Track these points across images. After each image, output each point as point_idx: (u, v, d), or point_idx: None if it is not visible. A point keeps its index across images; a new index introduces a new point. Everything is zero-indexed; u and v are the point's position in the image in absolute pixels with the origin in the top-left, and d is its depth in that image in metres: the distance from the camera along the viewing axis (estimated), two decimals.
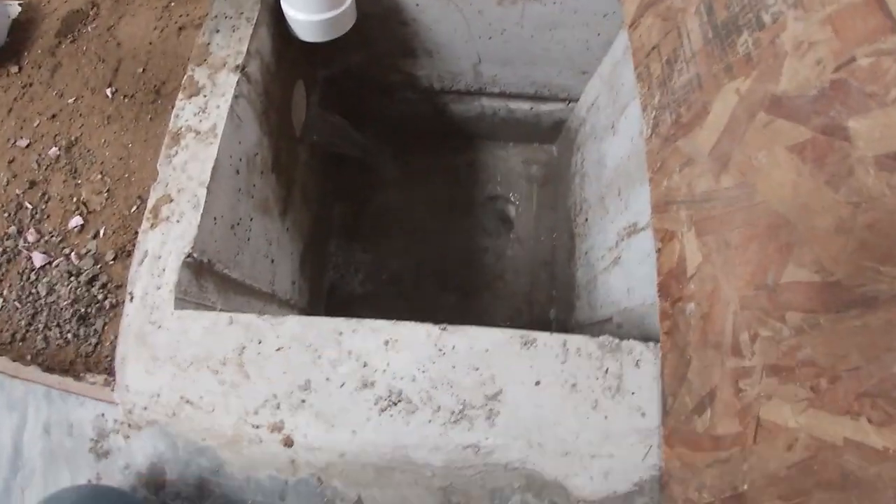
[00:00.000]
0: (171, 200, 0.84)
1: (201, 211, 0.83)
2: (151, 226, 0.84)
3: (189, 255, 0.81)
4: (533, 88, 1.46)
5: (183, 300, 0.80)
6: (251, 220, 0.99)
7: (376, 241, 1.68)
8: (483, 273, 1.61)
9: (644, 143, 0.87)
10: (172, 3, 1.18)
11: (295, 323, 0.76)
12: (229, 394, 0.75)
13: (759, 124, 0.61)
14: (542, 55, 1.32)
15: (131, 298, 0.82)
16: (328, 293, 1.50)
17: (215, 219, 0.86)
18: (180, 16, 1.16)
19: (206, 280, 0.85)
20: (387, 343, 0.74)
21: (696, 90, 0.75)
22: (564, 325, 1.40)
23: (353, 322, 0.75)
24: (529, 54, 1.32)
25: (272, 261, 1.09)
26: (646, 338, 0.75)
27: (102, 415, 0.88)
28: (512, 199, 1.72)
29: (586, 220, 1.26)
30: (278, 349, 0.75)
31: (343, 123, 1.42)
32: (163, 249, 0.83)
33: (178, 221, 0.83)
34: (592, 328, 1.17)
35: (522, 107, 1.54)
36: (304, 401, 0.73)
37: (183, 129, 0.89)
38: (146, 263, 0.83)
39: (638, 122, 0.96)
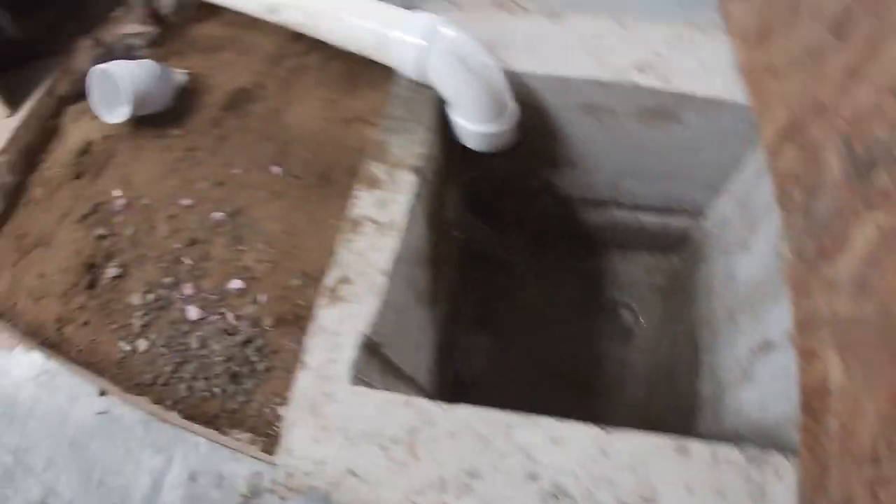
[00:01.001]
0: (351, 283, 0.95)
1: (381, 297, 0.93)
2: (329, 303, 0.95)
3: (367, 336, 0.90)
4: (664, 201, 1.58)
5: (357, 377, 0.89)
6: (410, 309, 1.09)
7: (502, 333, 1.77)
8: (603, 377, 1.68)
9: (783, 263, 0.96)
10: (338, 98, 1.33)
11: (467, 411, 0.84)
12: (397, 471, 0.83)
13: None
14: (676, 172, 1.45)
15: (304, 367, 0.91)
16: (453, 379, 1.58)
17: (388, 305, 0.95)
18: (347, 109, 1.31)
19: (374, 360, 0.95)
20: (553, 440, 0.82)
21: (837, 219, 0.83)
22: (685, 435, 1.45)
23: (522, 417, 0.83)
24: (665, 170, 1.45)
25: (418, 347, 1.18)
26: (780, 451, 0.82)
27: (259, 473, 0.96)
28: (635, 306, 1.81)
29: (713, 333, 1.33)
30: (449, 434, 0.83)
31: (482, 222, 1.54)
32: (341, 327, 0.93)
33: (356, 303, 0.94)
34: (719, 440, 1.23)
35: (652, 218, 1.66)
36: (470, 486, 0.80)
37: (362, 218, 1.01)
38: (322, 337, 0.93)
39: (771, 242, 1.05)
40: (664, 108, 1.30)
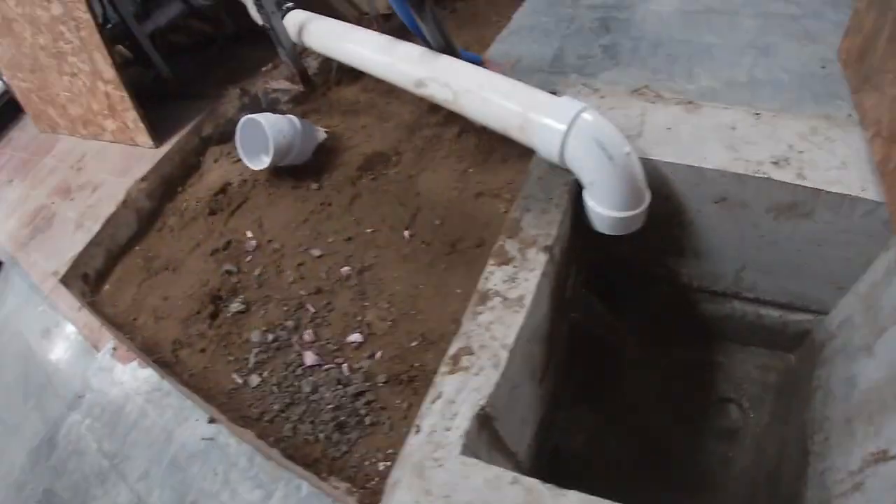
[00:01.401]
0: (473, 353, 0.98)
1: (500, 371, 0.96)
2: (450, 371, 0.98)
3: (482, 408, 0.91)
4: (786, 297, 1.55)
5: (467, 447, 0.90)
6: (524, 384, 1.11)
7: (605, 418, 1.75)
8: (704, 474, 1.62)
9: None
10: (470, 170, 1.40)
11: (577, 498, 0.83)
12: None
13: None
14: (802, 268, 1.43)
15: (417, 431, 0.93)
16: (552, 453, 1.57)
17: (506, 379, 0.97)
18: (477, 182, 1.37)
19: (484, 432, 0.97)
20: None
21: None
22: None
23: None
24: (791, 266, 1.43)
25: (524, 422, 1.19)
26: None
27: None
28: (745, 404, 1.75)
29: (826, 438, 1.27)
30: None
31: (599, 305, 1.55)
32: (458, 396, 0.95)
33: (476, 374, 0.96)
34: None
35: (772, 314, 1.63)
36: None
37: (491, 292, 1.05)
38: (438, 404, 0.95)
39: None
40: (797, 204, 1.29)
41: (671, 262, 1.55)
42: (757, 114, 1.39)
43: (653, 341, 1.84)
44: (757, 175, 1.26)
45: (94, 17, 2.14)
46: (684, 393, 1.79)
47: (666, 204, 1.36)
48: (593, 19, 1.82)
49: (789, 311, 1.62)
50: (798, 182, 1.25)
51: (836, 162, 1.27)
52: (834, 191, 1.23)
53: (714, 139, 1.33)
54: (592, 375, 1.78)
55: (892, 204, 1.13)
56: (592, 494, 0.88)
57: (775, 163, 1.27)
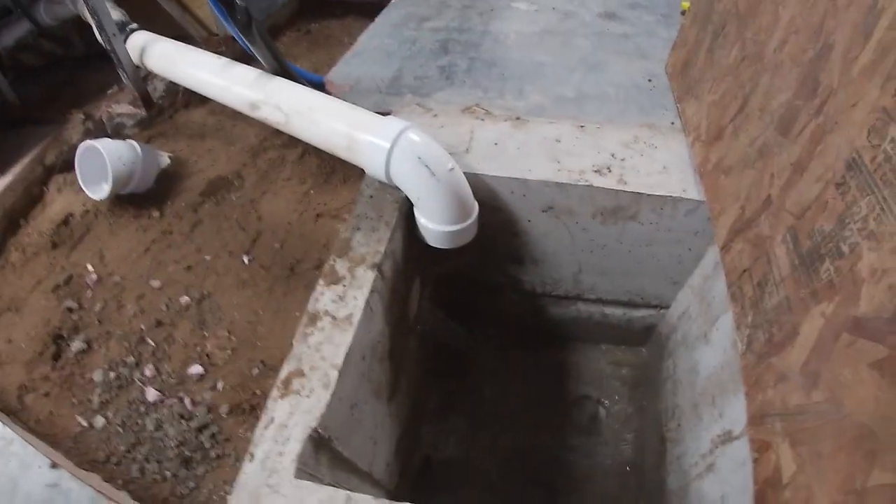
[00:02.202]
0: (303, 376, 1.00)
1: (331, 391, 0.99)
2: (281, 395, 1.00)
3: (315, 430, 0.94)
4: (627, 296, 1.66)
5: (301, 470, 0.92)
6: (366, 403, 1.14)
7: (467, 427, 1.80)
8: (571, 471, 1.71)
9: (738, 356, 1.00)
10: (312, 191, 1.42)
11: None
12: None
13: (842, 344, 0.73)
14: (637, 267, 1.53)
15: (251, 458, 0.95)
16: (415, 474, 1.60)
17: (340, 399, 1.01)
18: (318, 203, 1.39)
19: (322, 454, 0.99)
20: None
21: (786, 312, 0.88)
22: None
23: None
24: (626, 266, 1.54)
25: (375, 442, 1.22)
26: None
27: None
28: (602, 400, 1.86)
29: (679, 425, 1.37)
30: None
31: (448, 318, 1.60)
32: (290, 420, 0.97)
33: (307, 396, 0.99)
34: None
35: (616, 312, 1.74)
36: None
37: (321, 313, 1.07)
38: (271, 429, 0.97)
39: (730, 334, 1.10)
40: (621, 207, 1.39)
41: (512, 269, 1.64)
42: (582, 126, 1.50)
43: (508, 347, 1.92)
44: (579, 183, 1.35)
45: None
46: (544, 395, 1.89)
47: (498, 215, 1.43)
48: (434, 41, 1.89)
49: (632, 308, 1.74)
50: (619, 188, 1.35)
51: (657, 167, 1.38)
52: (655, 193, 1.34)
53: (539, 152, 1.42)
54: (454, 386, 1.84)
55: (711, 202, 1.24)
56: (462, 502, 0.91)
57: (597, 171, 1.37)
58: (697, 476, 1.22)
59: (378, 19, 2.15)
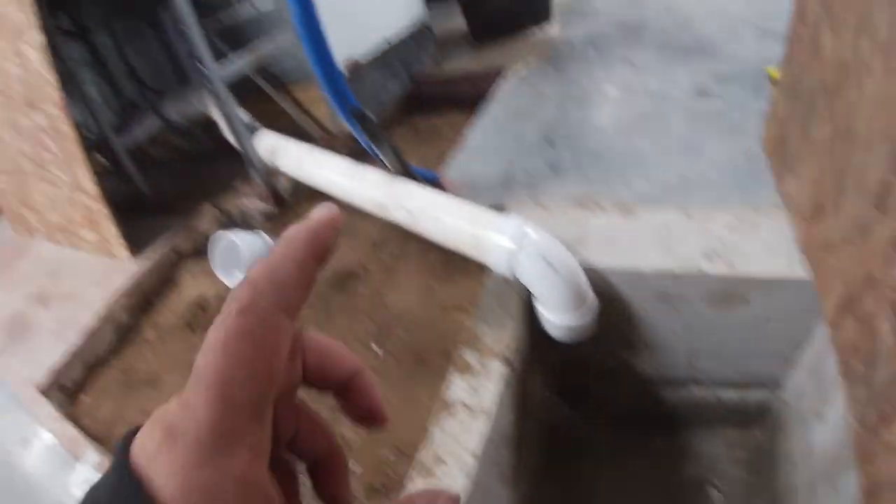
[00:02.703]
0: (442, 462, 1.06)
1: (470, 478, 1.03)
2: (421, 479, 1.05)
3: None
4: (740, 377, 1.66)
5: None
6: (495, 489, 1.19)
7: None
8: None
9: (851, 433, 0.99)
10: (435, 284, 1.51)
11: None
12: None
13: None
14: (749, 348, 1.54)
15: None
16: None
17: (477, 485, 1.05)
18: (442, 295, 1.49)
19: None
20: None
21: (893, 387, 0.87)
22: None
23: None
24: (738, 348, 1.55)
25: None
26: None
27: None
28: (718, 483, 1.83)
29: None
30: None
31: (564, 404, 1.65)
32: None
33: (447, 482, 1.04)
34: None
35: (729, 394, 1.73)
36: None
37: (455, 402, 1.14)
38: None
39: (843, 411, 1.08)
40: (731, 292, 1.42)
41: (625, 355, 1.67)
42: (688, 213, 1.55)
43: (623, 434, 1.93)
44: (690, 271, 1.40)
45: (79, 132, 2.27)
46: (658, 478, 1.87)
47: (613, 304, 1.49)
48: (539, 135, 2.02)
49: (746, 389, 1.74)
50: (729, 273, 1.38)
51: (763, 248, 1.42)
52: (763, 276, 1.36)
53: (649, 241, 1.48)
54: (569, 473, 1.85)
55: (817, 280, 1.25)
56: None
57: (706, 257, 1.42)
58: None
59: (481, 116, 2.30)
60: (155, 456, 0.21)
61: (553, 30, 3.23)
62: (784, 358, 1.56)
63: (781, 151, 1.57)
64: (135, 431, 0.24)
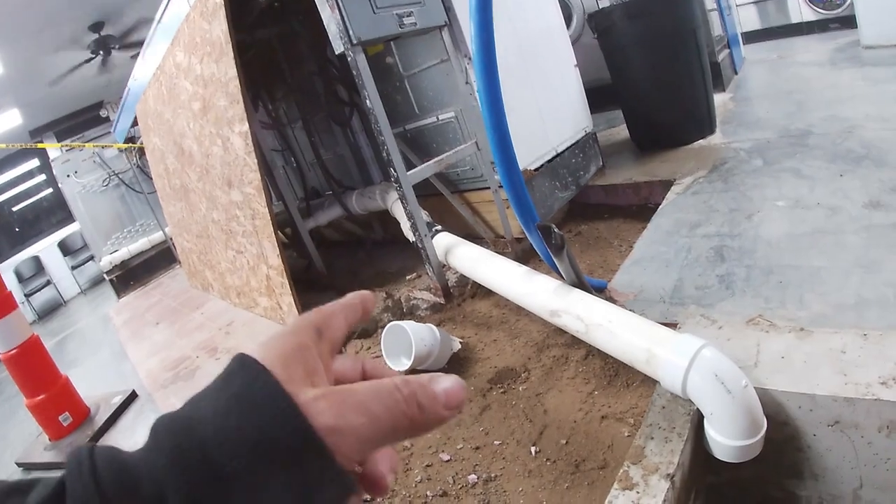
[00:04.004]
0: None
1: None
2: None
3: None
4: None
5: None
6: None
7: None
8: None
9: None
10: (596, 392, 1.53)
11: None
12: None
13: None
14: None
15: None
16: None
17: None
18: (603, 405, 1.49)
19: None
20: None
21: None
22: None
23: None
24: None
25: None
26: None
27: None
28: None
29: None
30: None
31: None
32: None
33: None
34: None
35: None
36: None
37: None
38: None
39: None
40: None
41: (789, 484, 1.56)
42: (865, 335, 1.46)
43: None
44: (866, 398, 1.31)
45: (271, 211, 2.57)
46: None
47: (782, 429, 1.42)
48: (708, 248, 2.00)
49: None
50: None
51: None
52: None
53: (825, 364, 1.41)
54: None
55: None
56: None
57: (883, 383, 1.32)
58: None
59: (650, 226, 2.33)
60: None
61: (717, 140, 3.25)
62: None
63: None
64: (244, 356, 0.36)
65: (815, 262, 1.83)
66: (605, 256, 2.43)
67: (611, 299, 1.76)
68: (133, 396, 2.76)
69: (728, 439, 1.30)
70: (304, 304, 2.60)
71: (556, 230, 1.48)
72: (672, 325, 1.60)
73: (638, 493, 1.20)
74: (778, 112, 3.36)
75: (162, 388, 2.63)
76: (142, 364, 3.18)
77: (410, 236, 2.33)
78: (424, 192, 2.87)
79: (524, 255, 1.94)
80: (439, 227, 2.37)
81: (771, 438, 1.38)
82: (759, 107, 3.66)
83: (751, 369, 1.45)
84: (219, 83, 2.58)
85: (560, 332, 1.82)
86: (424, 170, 2.33)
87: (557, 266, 1.60)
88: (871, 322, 1.53)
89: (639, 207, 2.93)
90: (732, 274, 1.87)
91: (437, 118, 2.86)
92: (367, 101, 2.13)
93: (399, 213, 2.61)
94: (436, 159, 2.37)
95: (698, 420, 1.36)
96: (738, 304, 1.72)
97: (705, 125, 3.35)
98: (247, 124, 2.46)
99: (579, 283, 1.62)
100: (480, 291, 2.26)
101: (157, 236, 7.40)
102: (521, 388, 1.67)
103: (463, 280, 2.32)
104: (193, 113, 2.99)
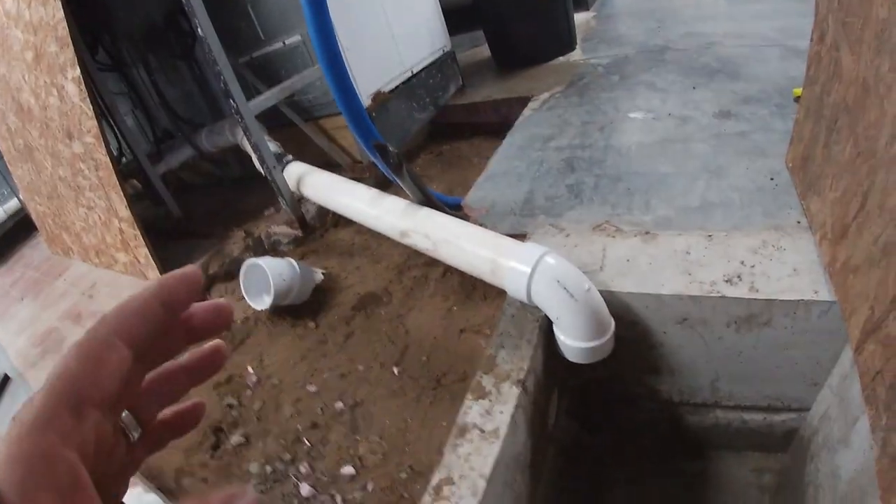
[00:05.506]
0: (453, 483, 1.10)
1: (478, 500, 1.06)
2: (432, 501, 1.09)
3: None
4: (766, 401, 1.64)
5: None
6: None
7: None
8: None
9: (874, 461, 0.97)
10: (454, 308, 1.56)
11: None
12: None
13: None
14: (774, 371, 1.52)
15: None
16: None
17: None
18: (461, 319, 1.53)
19: None
20: None
21: None
22: None
23: None
24: (763, 371, 1.53)
25: None
26: None
27: None
28: None
29: None
30: None
31: (584, 429, 1.66)
32: None
33: (457, 503, 1.06)
34: None
35: (755, 417, 1.71)
36: None
37: (469, 425, 1.18)
38: None
39: (868, 437, 1.06)
40: (754, 315, 1.41)
41: (648, 380, 1.68)
42: (709, 236, 1.56)
43: (644, 458, 1.92)
44: (711, 295, 1.40)
45: (113, 160, 2.39)
46: None
47: (633, 328, 1.51)
48: (560, 160, 2.05)
49: (772, 412, 1.72)
50: (751, 296, 1.38)
51: (787, 270, 1.41)
52: (787, 298, 1.36)
53: (670, 265, 1.49)
54: (589, 499, 1.85)
55: (842, 302, 1.24)
56: None
57: (728, 280, 1.42)
58: None
59: (505, 142, 2.35)
60: None
61: (577, 56, 3.30)
62: (810, 381, 1.55)
63: (805, 171, 1.56)
64: None
65: (663, 169, 1.90)
66: (465, 175, 2.44)
67: (465, 216, 1.78)
68: (6, 380, 2.57)
69: (576, 342, 1.36)
70: (165, 254, 2.47)
71: (392, 149, 1.45)
72: (521, 237, 1.64)
73: (490, 401, 1.25)
74: (639, 29, 3.44)
75: (32, 367, 2.45)
76: (11, 345, 2.93)
77: (261, 169, 2.23)
78: (277, 122, 2.74)
79: (384, 182, 1.91)
80: (290, 157, 2.28)
81: (623, 338, 1.45)
82: (621, 24, 3.73)
83: (596, 273, 1.51)
84: (48, 27, 2.31)
85: (419, 253, 1.82)
86: (267, 99, 2.21)
87: (402, 186, 1.58)
88: (716, 224, 1.61)
89: (499, 125, 2.93)
90: (582, 183, 1.93)
91: (284, 43, 2.69)
92: (199, 29, 1.96)
93: (248, 146, 2.48)
94: (279, 87, 2.25)
95: (547, 326, 1.42)
96: (585, 212, 1.78)
97: (565, 42, 3.37)
98: (78, 69, 2.24)
99: (427, 202, 1.62)
100: (342, 221, 2.22)
101: (12, 205, 6.71)
102: (383, 312, 1.67)
103: (323, 210, 2.26)
104: (27, 64, 2.67)
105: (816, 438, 1.53)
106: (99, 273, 3.19)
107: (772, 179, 1.72)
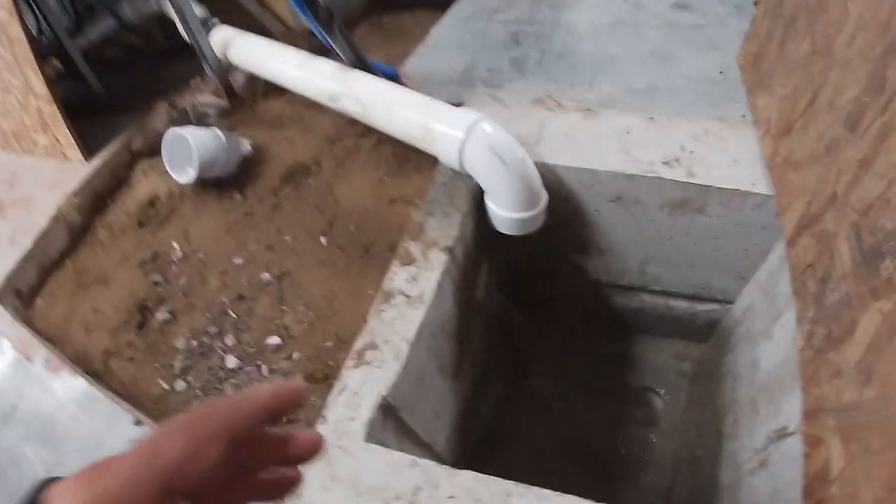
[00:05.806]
0: (377, 348, 1.08)
1: (401, 363, 1.06)
2: (355, 365, 1.07)
3: (384, 398, 1.01)
4: (692, 289, 1.68)
5: (371, 434, 0.99)
6: (432, 378, 1.21)
7: (526, 414, 1.85)
8: (626, 461, 1.74)
9: (797, 352, 1.01)
10: (386, 178, 1.50)
11: (470, 477, 0.94)
12: None
13: None
14: (703, 260, 1.55)
15: (324, 421, 1.03)
16: (471, 454, 1.66)
17: (409, 372, 1.08)
18: (392, 189, 1.48)
19: (389, 422, 1.06)
20: None
21: (845, 308, 0.88)
22: None
23: (522, 487, 0.93)
24: (692, 259, 1.55)
25: (437, 416, 1.29)
26: None
27: None
28: (661, 392, 1.88)
29: (736, 420, 1.38)
30: (450, 497, 0.93)
31: (513, 303, 1.66)
32: (362, 388, 1.05)
33: (379, 367, 1.06)
34: None
35: (680, 305, 1.75)
36: None
37: (395, 291, 1.15)
38: (344, 395, 1.05)
39: (792, 331, 1.10)
40: (688, 200, 1.41)
41: (577, 258, 1.68)
42: (652, 118, 1.52)
43: (570, 336, 1.96)
44: (648, 175, 1.38)
45: (28, 34, 2.16)
46: (604, 384, 1.92)
47: (565, 204, 1.48)
48: (505, 33, 1.94)
49: (697, 301, 1.75)
50: (688, 180, 1.37)
51: (727, 160, 1.40)
52: (723, 186, 1.35)
53: (608, 143, 1.45)
54: (516, 371, 1.89)
55: (779, 196, 1.25)
56: (520, 482, 0.97)
57: (666, 163, 1.40)
58: (750, 472, 1.22)
59: (450, 12, 2.21)
60: (63, 492, 0.28)
61: None
62: (738, 274, 1.57)
63: (757, 68, 1.53)
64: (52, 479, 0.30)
65: (612, 51, 1.82)
66: (406, 47, 2.29)
67: (401, 84, 1.68)
68: None
69: (507, 212, 1.32)
70: (87, 132, 2.29)
71: (321, 3, 1.33)
72: (458, 105, 1.56)
73: (417, 267, 1.21)
74: None
75: None
76: None
77: (186, 36, 2.05)
78: None
79: (317, 51, 1.78)
80: (216, 21, 2.10)
81: (555, 212, 1.42)
82: None
83: (533, 146, 1.46)
84: None
85: (353, 122, 1.72)
86: None
87: (333, 45, 1.47)
88: (660, 107, 1.56)
89: None
90: (526, 57, 1.83)
91: None
92: None
93: (172, 11, 2.28)
94: None
95: (479, 195, 1.37)
96: (527, 85, 1.70)
97: None
98: None
99: (360, 64, 1.51)
100: (273, 91, 2.08)
101: None
102: (312, 182, 1.60)
103: (253, 81, 2.11)
104: None
105: (739, 330, 1.57)
106: (20, 160, 2.98)
107: (721, 73, 1.68)
